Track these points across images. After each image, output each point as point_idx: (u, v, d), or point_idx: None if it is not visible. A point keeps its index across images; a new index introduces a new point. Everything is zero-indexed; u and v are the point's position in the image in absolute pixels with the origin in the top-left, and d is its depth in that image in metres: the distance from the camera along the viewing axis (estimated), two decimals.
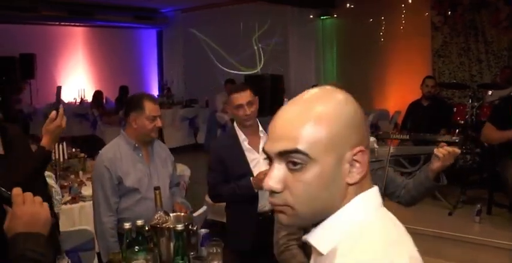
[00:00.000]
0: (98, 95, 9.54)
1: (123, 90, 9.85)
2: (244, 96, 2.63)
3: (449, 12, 7.37)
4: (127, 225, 1.88)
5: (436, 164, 2.10)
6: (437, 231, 4.02)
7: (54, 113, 2.07)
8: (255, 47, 9.94)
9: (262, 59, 9.88)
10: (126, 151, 2.57)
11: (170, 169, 2.73)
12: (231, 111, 2.75)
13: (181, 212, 2.38)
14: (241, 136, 2.71)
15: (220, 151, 2.74)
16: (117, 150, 2.56)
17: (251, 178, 2.58)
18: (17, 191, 1.21)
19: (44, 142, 2.08)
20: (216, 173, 2.71)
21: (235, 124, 2.78)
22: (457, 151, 2.07)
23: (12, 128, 2.20)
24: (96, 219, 2.54)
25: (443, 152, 2.06)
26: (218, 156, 2.72)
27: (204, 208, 3.29)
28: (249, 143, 2.70)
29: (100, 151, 2.61)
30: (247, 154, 2.69)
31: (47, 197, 2.49)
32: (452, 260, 3.96)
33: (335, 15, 8.93)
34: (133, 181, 2.52)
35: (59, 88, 2.21)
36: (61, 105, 2.10)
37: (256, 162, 2.68)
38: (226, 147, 2.73)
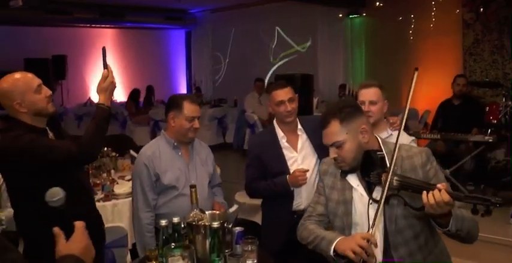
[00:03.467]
0: (135, 93, 9.61)
1: (149, 90, 9.98)
2: (285, 93, 2.68)
3: (482, 9, 7.22)
4: (163, 222, 1.92)
5: (426, 209, 1.63)
6: None
7: (105, 71, 2.25)
8: (284, 47, 9.95)
9: (291, 58, 9.88)
10: (166, 149, 2.63)
11: (210, 168, 2.76)
12: (272, 108, 2.75)
13: (220, 210, 2.43)
14: (280, 134, 2.72)
15: (258, 147, 2.77)
16: (156, 148, 2.63)
17: (287, 176, 2.59)
18: (80, 223, 1.43)
19: (101, 99, 2.24)
20: (254, 169, 2.74)
21: (274, 122, 2.79)
22: (446, 199, 1.56)
23: (62, 128, 2.41)
24: (135, 214, 2.63)
25: (429, 200, 1.59)
26: (256, 152, 2.75)
27: (236, 206, 3.32)
28: (287, 141, 2.71)
29: (141, 149, 2.70)
30: (284, 152, 2.69)
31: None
32: (484, 262, 3.88)
33: (364, 14, 8.85)
34: (170, 179, 2.58)
35: (104, 49, 2.33)
36: (109, 65, 2.28)
37: (294, 160, 2.68)
38: (264, 144, 2.75)
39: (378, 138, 1.94)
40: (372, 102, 2.59)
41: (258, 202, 4.41)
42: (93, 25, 10.80)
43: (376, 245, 1.76)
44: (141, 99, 10.03)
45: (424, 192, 1.60)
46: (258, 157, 2.72)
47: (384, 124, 2.64)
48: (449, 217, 1.63)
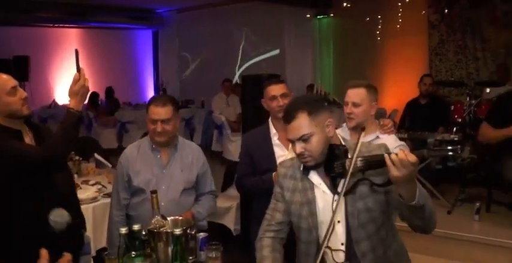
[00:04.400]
0: (93, 96, 9.50)
1: (109, 91, 9.81)
2: (279, 88, 2.69)
3: (446, 10, 7.36)
4: (123, 230, 1.83)
5: (390, 175, 1.60)
6: (436, 230, 3.95)
7: (77, 74, 2.16)
8: (252, 47, 9.92)
9: (259, 59, 9.85)
10: (145, 150, 2.60)
11: (193, 175, 2.64)
12: (266, 103, 2.74)
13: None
14: (272, 130, 2.70)
15: (250, 143, 2.76)
16: (136, 148, 2.61)
17: (273, 174, 2.53)
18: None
19: (71, 103, 2.16)
20: (244, 165, 2.74)
21: (270, 119, 2.77)
22: (412, 159, 1.54)
23: (44, 127, 2.40)
24: (109, 211, 2.66)
25: (393, 159, 1.56)
26: (247, 148, 2.75)
27: None
28: (278, 139, 2.67)
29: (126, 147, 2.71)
30: (275, 149, 2.67)
31: (72, 184, 2.54)
32: (452, 258, 3.93)
33: (331, 15, 8.91)
34: (140, 181, 2.53)
35: (77, 51, 2.24)
36: (82, 68, 2.18)
37: (284, 159, 2.60)
38: (256, 140, 2.74)
39: (338, 135, 1.91)
40: (355, 104, 2.54)
41: (227, 204, 4.39)
42: (57, 25, 10.51)
43: None
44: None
45: (387, 155, 1.58)
46: (249, 153, 2.71)
47: (371, 126, 2.59)
48: (415, 189, 1.61)
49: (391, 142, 2.52)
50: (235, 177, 2.83)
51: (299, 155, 1.81)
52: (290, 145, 2.62)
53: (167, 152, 2.60)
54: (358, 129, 2.57)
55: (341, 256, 1.80)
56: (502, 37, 7.11)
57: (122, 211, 2.58)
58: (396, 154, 1.57)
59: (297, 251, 1.95)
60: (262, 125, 2.82)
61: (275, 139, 2.67)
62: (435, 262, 3.90)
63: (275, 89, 2.69)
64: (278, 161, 2.61)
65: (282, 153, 2.65)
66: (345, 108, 2.58)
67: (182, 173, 2.60)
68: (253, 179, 2.67)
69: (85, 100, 2.22)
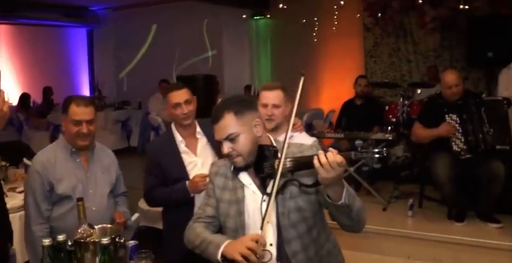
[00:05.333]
0: (24, 98, 9.03)
1: (47, 91, 9.39)
2: (181, 95, 2.59)
3: (380, 14, 7.60)
4: (46, 241, 1.72)
5: (318, 176, 1.59)
6: (373, 227, 4.07)
7: None
8: (189, 47, 9.80)
9: (195, 59, 9.75)
10: (63, 155, 2.45)
11: (113, 176, 2.59)
12: (169, 111, 2.65)
13: (120, 220, 2.33)
14: (178, 138, 2.62)
15: (156, 153, 2.64)
16: (52, 154, 2.44)
17: (187, 182, 2.49)
18: None
19: None
20: (153, 177, 2.62)
21: (172, 125, 2.68)
22: (339, 159, 1.55)
23: None
24: (26, 227, 2.43)
25: (321, 161, 1.56)
26: (154, 159, 2.63)
27: (137, 215, 3.16)
28: (186, 145, 2.61)
29: (36, 155, 2.49)
30: (183, 156, 2.59)
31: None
32: (386, 254, 4.05)
33: (268, 16, 8.96)
34: (65, 188, 2.39)
35: None
36: (2, 89, 1.94)
37: (194, 165, 2.59)
38: (162, 149, 2.63)
39: (269, 136, 1.91)
40: (275, 106, 2.56)
41: (161, 208, 4.28)
42: None
43: (265, 246, 1.71)
44: (39, 101, 9.42)
45: (316, 157, 1.58)
46: (157, 163, 2.60)
47: (285, 126, 2.62)
48: (342, 189, 1.63)
49: (307, 139, 2.58)
50: (144, 190, 2.68)
51: (227, 156, 1.80)
52: (198, 151, 2.62)
53: (86, 155, 2.51)
54: (277, 129, 2.59)
55: (268, 256, 1.78)
56: (431, 41, 7.46)
57: (46, 224, 2.40)
58: (325, 155, 1.57)
59: None
60: (162, 133, 2.75)
61: (182, 146, 2.61)
62: (370, 258, 4.01)
63: (177, 96, 2.59)
64: (188, 168, 2.58)
65: (190, 159, 2.60)
66: (263, 110, 2.56)
67: (104, 175, 2.54)
68: (163, 190, 2.58)
69: (2, 126, 1.99)
